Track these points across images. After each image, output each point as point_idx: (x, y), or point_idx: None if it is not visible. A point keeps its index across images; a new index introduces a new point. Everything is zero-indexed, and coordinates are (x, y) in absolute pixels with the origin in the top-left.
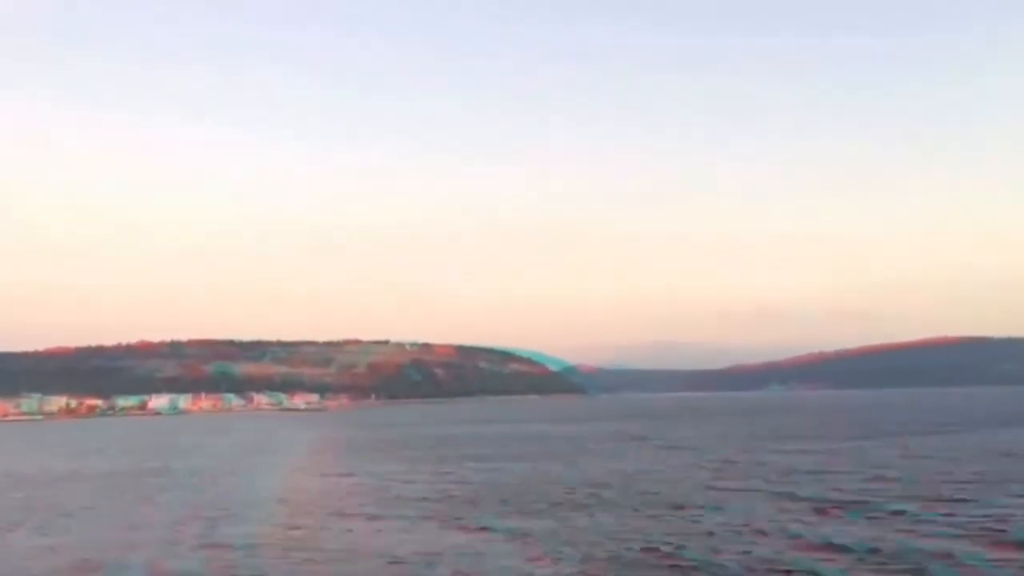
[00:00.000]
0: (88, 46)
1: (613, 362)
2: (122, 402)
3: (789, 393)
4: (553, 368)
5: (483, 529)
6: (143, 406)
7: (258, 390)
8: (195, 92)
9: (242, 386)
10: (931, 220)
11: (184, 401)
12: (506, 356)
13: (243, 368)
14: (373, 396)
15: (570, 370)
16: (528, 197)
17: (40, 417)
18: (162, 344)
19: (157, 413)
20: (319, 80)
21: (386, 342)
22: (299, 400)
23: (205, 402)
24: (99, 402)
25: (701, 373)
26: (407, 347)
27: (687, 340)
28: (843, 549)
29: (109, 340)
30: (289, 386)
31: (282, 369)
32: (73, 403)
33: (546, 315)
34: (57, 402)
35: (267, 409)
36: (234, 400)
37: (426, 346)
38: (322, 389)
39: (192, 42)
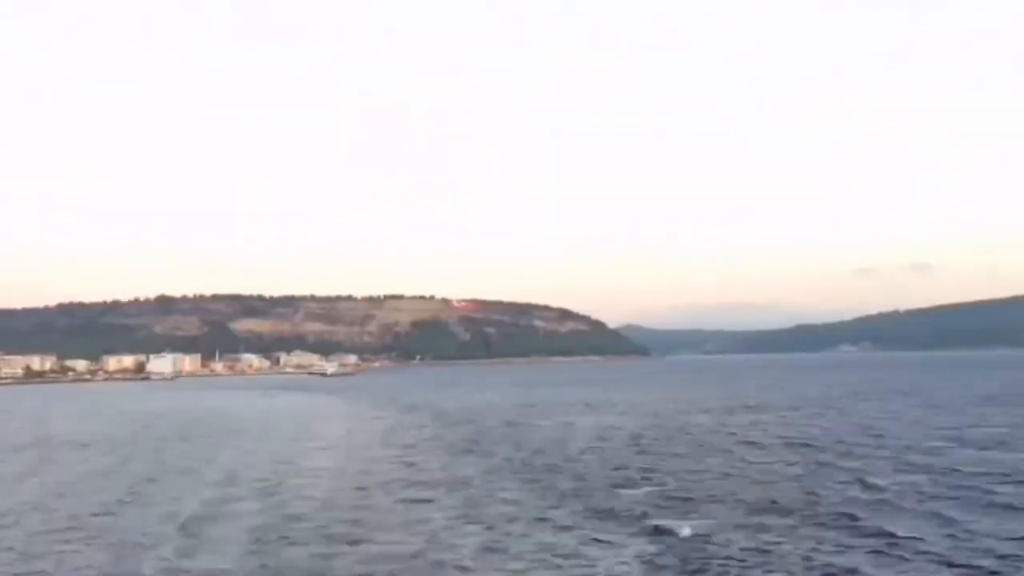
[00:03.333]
0: None
1: (665, 322)
2: (113, 363)
3: (868, 354)
4: (612, 327)
5: None
6: (139, 367)
7: (288, 350)
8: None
9: (271, 346)
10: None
11: (192, 362)
12: (563, 315)
13: (272, 326)
14: (418, 358)
15: (629, 330)
16: (584, 149)
17: None
18: (183, 299)
19: (144, 378)
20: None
21: (432, 298)
22: (331, 363)
23: (220, 365)
24: (81, 363)
25: (762, 334)
26: (455, 303)
27: (742, 300)
28: None
29: (126, 295)
30: (324, 347)
31: (316, 327)
32: (46, 364)
33: (602, 274)
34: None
35: (292, 373)
36: (256, 362)
37: (476, 302)
38: (361, 350)
39: None
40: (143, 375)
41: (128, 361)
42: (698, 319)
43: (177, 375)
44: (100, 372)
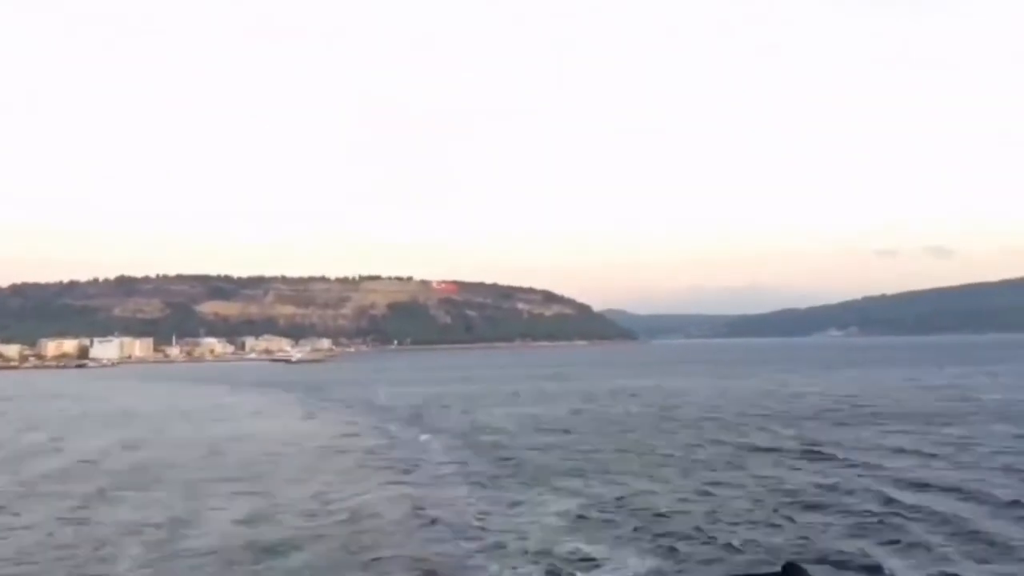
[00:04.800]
0: None
1: (645, 307)
2: (52, 347)
3: (855, 339)
4: (596, 310)
5: None
6: (83, 352)
7: (257, 335)
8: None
9: (238, 330)
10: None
11: (144, 347)
12: (548, 297)
13: (240, 309)
14: (396, 342)
15: (610, 315)
16: (564, 134)
17: None
18: (145, 280)
19: (80, 364)
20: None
21: (410, 279)
22: (298, 348)
23: (175, 349)
24: (13, 348)
25: (745, 318)
26: (434, 285)
27: (723, 284)
28: None
29: (84, 275)
30: (296, 331)
31: (287, 310)
32: None
33: (583, 256)
34: None
35: (254, 360)
36: (217, 346)
37: (457, 284)
38: (335, 334)
39: None
40: (83, 362)
41: (69, 345)
42: (678, 304)
43: (126, 361)
44: (31, 359)
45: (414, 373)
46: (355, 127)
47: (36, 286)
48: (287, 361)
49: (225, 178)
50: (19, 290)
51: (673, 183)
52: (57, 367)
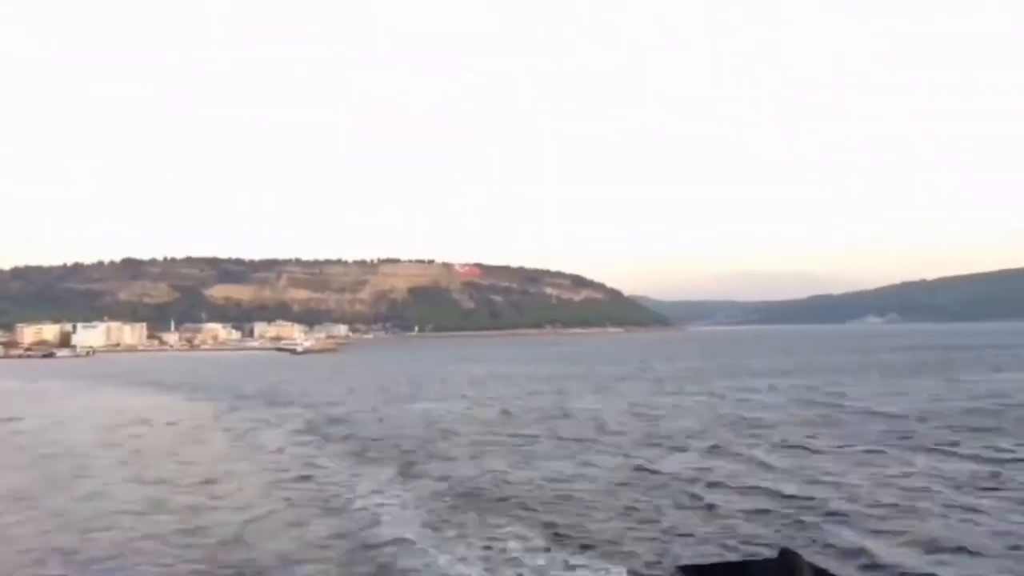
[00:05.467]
0: None
1: (671, 293)
2: (30, 333)
3: (896, 326)
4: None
5: None
6: (65, 339)
7: (270, 320)
8: None
9: (251, 315)
10: None
11: (135, 334)
12: (577, 282)
13: (252, 293)
14: (416, 329)
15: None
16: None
17: None
18: (152, 263)
19: (48, 355)
20: None
21: (431, 262)
22: (306, 336)
23: (174, 336)
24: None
25: (777, 304)
26: (457, 268)
27: (753, 268)
28: None
29: (88, 257)
30: (310, 317)
31: (302, 294)
32: None
33: (612, 242)
34: None
35: (256, 349)
36: (221, 333)
37: (480, 267)
38: (352, 320)
39: None
40: (51, 351)
41: (49, 331)
42: (701, 290)
43: (112, 349)
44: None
45: (455, 375)
46: (360, 124)
47: (38, 269)
48: (292, 351)
49: (237, 160)
50: (20, 273)
51: (693, 173)
52: (19, 357)
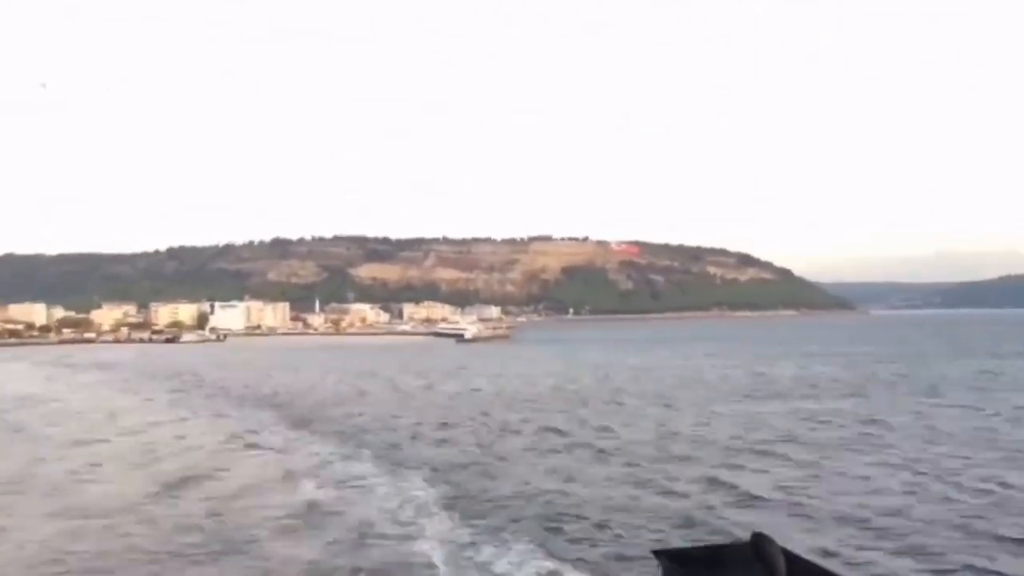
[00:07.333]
0: None
1: (828, 274)
2: (166, 313)
3: None
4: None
5: None
6: (202, 320)
7: (417, 301)
8: None
9: (397, 295)
10: None
11: (277, 314)
12: (743, 260)
13: (399, 272)
14: (571, 311)
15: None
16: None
17: None
18: (300, 242)
19: (171, 339)
20: None
21: (585, 239)
22: (471, 320)
23: (319, 318)
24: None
25: (962, 285)
26: (613, 246)
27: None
28: None
29: (240, 237)
30: (458, 297)
31: (449, 274)
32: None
33: (773, 218)
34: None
35: (409, 333)
36: (369, 314)
37: (638, 245)
38: (501, 301)
39: None
40: (189, 333)
41: (185, 311)
42: (866, 270)
43: (253, 332)
44: (124, 329)
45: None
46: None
47: (192, 249)
48: (458, 337)
49: (384, 137)
50: (175, 253)
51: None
52: (140, 342)
